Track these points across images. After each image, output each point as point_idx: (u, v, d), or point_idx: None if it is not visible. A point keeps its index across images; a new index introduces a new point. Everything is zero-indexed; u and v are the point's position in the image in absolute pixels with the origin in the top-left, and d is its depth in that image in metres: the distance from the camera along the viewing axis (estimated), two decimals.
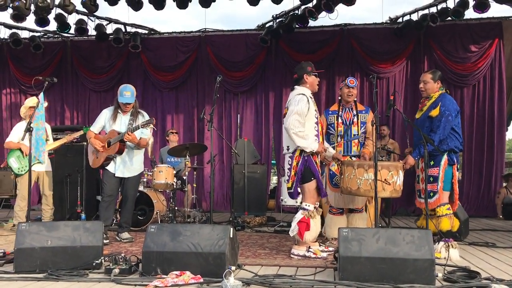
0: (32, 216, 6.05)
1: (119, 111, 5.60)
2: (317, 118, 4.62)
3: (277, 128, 9.73)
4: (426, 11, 8.86)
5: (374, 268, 3.41)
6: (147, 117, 5.69)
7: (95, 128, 5.67)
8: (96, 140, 5.59)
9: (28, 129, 4.73)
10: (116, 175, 5.55)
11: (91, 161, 5.79)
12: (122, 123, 5.57)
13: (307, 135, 4.48)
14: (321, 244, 4.86)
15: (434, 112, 4.66)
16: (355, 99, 5.33)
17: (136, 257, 3.96)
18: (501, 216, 8.75)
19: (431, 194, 4.58)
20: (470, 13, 8.62)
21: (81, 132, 6.58)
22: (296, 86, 4.70)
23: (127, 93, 5.51)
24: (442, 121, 4.60)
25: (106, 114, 5.67)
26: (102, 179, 5.69)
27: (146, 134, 5.62)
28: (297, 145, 4.46)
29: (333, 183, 5.13)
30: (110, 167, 5.56)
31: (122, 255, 3.92)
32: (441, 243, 4.53)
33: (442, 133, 4.59)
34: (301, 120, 4.44)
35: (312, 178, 4.55)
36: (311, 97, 4.63)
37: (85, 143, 6.46)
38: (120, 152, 5.48)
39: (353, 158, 5.14)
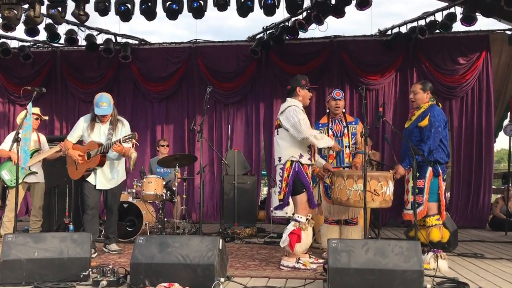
0: (20, 227, 5.99)
1: (97, 120, 5.43)
2: None
3: (267, 139, 9.74)
4: (414, 24, 8.96)
5: (363, 280, 3.41)
6: (127, 125, 5.57)
7: (72, 138, 5.49)
8: (75, 151, 5.42)
9: (16, 139, 4.70)
10: (97, 188, 5.43)
11: (70, 173, 5.62)
12: (101, 133, 5.41)
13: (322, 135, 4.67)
14: (311, 256, 4.85)
15: (423, 123, 4.71)
16: (344, 110, 5.37)
17: (124, 269, 3.93)
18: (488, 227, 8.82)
19: (416, 205, 4.61)
20: (457, 26, 8.76)
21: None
22: (288, 98, 4.73)
23: (104, 104, 5.31)
24: (432, 131, 4.65)
25: (83, 123, 5.47)
26: (83, 191, 5.48)
27: (127, 143, 5.38)
28: (319, 145, 4.62)
29: (328, 195, 5.13)
30: (91, 179, 5.42)
31: (110, 267, 3.88)
32: (430, 253, 4.54)
33: (433, 144, 4.64)
34: (308, 124, 4.55)
35: (304, 190, 4.57)
36: (302, 110, 4.67)
37: None
38: (101, 164, 5.34)
39: (345, 168, 5.15)
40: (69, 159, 5.58)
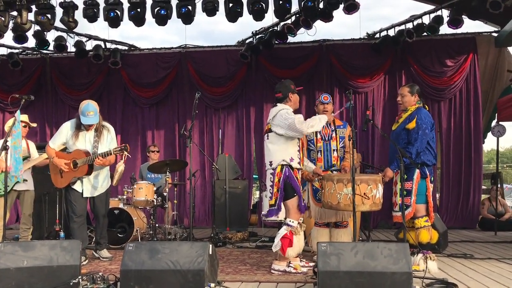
0: (10, 235, 5.95)
1: (82, 128, 5.32)
2: None
3: (258, 143, 9.76)
4: (402, 27, 9.05)
5: (352, 282, 3.43)
6: (112, 131, 5.49)
7: (55, 144, 5.37)
8: (61, 159, 5.30)
9: (4, 147, 4.68)
10: (84, 195, 5.37)
11: (55, 181, 5.52)
12: (86, 140, 5.32)
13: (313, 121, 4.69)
14: (301, 259, 4.87)
15: (411, 125, 4.77)
16: (332, 114, 5.41)
17: (115, 276, 3.92)
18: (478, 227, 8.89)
19: (404, 207, 4.65)
20: (445, 29, 8.86)
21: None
22: (278, 104, 4.76)
23: (90, 113, 5.19)
24: (419, 134, 4.70)
25: (67, 130, 5.34)
26: (69, 199, 5.40)
27: (113, 146, 5.34)
28: (319, 128, 4.74)
29: (316, 198, 5.15)
30: (77, 187, 5.34)
31: (100, 274, 3.87)
32: (420, 255, 4.58)
33: (420, 146, 4.68)
34: (302, 120, 4.57)
35: (295, 194, 4.59)
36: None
37: None
38: (89, 173, 5.28)
39: (334, 172, 5.18)
40: (53, 167, 5.46)
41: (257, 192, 12.41)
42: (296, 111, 4.82)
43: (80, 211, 5.36)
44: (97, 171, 5.43)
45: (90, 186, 5.40)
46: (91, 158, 5.17)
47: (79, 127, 5.32)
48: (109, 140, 5.41)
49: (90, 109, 5.22)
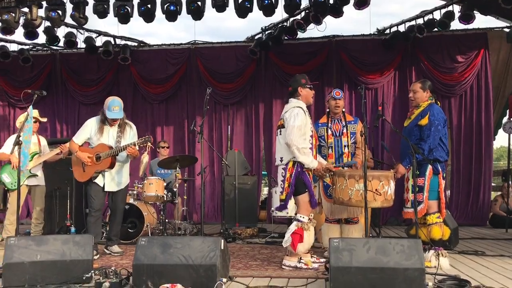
0: (21, 230, 6.00)
1: (106, 123, 5.46)
2: (312, 131, 4.65)
3: (267, 139, 9.76)
4: (413, 23, 8.98)
5: (364, 278, 3.42)
6: (134, 128, 5.63)
7: (79, 139, 5.48)
8: (84, 153, 5.42)
9: (17, 142, 4.71)
10: (105, 189, 5.45)
11: (77, 175, 5.59)
12: (110, 136, 5.45)
13: (309, 151, 4.51)
14: (312, 255, 4.86)
15: (423, 121, 4.73)
16: (343, 110, 5.39)
17: (127, 270, 3.94)
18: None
19: (416, 204, 4.62)
20: (456, 24, 8.80)
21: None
22: (291, 99, 4.73)
23: (116, 108, 5.35)
24: (432, 130, 4.66)
25: (92, 126, 5.48)
26: (89, 193, 5.48)
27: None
28: (298, 160, 4.48)
29: (327, 194, 5.13)
30: (99, 181, 5.42)
31: (113, 268, 3.89)
32: (431, 251, 4.56)
33: (433, 143, 4.65)
34: (303, 135, 4.47)
35: (306, 190, 4.57)
36: (306, 110, 4.66)
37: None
38: (111, 166, 5.37)
39: (344, 167, 5.16)
40: (76, 161, 5.55)
41: (265, 189, 12.41)
42: (307, 106, 4.79)
43: (98, 205, 5.44)
44: (120, 166, 5.51)
45: (110, 180, 5.46)
46: (114, 151, 5.28)
47: (104, 122, 5.44)
48: (132, 136, 5.55)
49: (115, 104, 5.37)
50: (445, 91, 9.19)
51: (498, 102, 9.41)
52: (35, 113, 6.32)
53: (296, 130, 4.45)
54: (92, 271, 3.87)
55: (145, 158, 5.64)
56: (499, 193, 9.39)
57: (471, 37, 9.18)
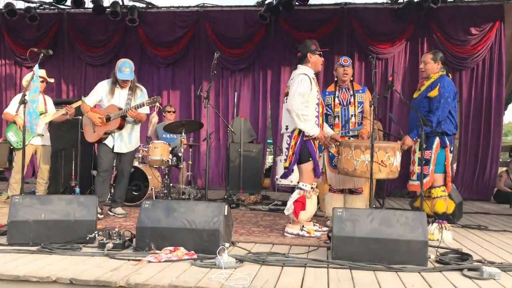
0: (26, 189, 6.04)
1: (117, 85, 5.51)
2: (318, 99, 4.58)
3: (274, 107, 9.69)
4: None
5: (367, 249, 3.42)
6: (145, 92, 5.64)
7: (90, 101, 5.55)
8: (95, 113, 5.48)
9: (23, 101, 4.69)
10: (114, 151, 5.51)
11: (87, 135, 5.66)
12: (120, 98, 5.50)
13: (310, 118, 4.44)
14: (315, 224, 4.87)
15: (433, 93, 4.64)
16: (352, 78, 5.29)
17: (130, 232, 3.97)
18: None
19: (422, 176, 4.58)
20: None
21: (80, 103, 6.40)
22: (299, 65, 4.65)
23: (126, 69, 5.40)
24: (441, 102, 4.57)
25: (103, 88, 5.54)
26: (98, 153, 5.60)
27: (145, 109, 5.54)
28: (298, 127, 4.43)
29: (332, 164, 5.11)
30: (108, 142, 5.50)
31: (116, 230, 3.91)
32: (435, 224, 4.55)
33: (441, 115, 4.57)
34: (305, 102, 4.39)
35: (310, 159, 4.54)
36: (313, 78, 4.58)
37: (80, 117, 6.32)
38: (120, 127, 5.44)
39: (350, 138, 5.12)
40: (86, 122, 5.63)
41: (270, 157, 12.41)
42: (315, 75, 4.71)
43: (106, 166, 5.52)
44: (130, 128, 5.56)
45: (120, 142, 5.53)
46: (124, 111, 5.34)
47: (115, 84, 5.49)
48: (142, 98, 5.57)
49: (126, 65, 5.42)
50: (457, 64, 9.02)
51: (510, 77, 9.24)
52: (42, 72, 6.26)
53: (298, 96, 4.38)
54: (96, 232, 3.90)
55: (154, 118, 5.76)
56: (504, 168, 9.34)
57: (487, 8, 8.94)
